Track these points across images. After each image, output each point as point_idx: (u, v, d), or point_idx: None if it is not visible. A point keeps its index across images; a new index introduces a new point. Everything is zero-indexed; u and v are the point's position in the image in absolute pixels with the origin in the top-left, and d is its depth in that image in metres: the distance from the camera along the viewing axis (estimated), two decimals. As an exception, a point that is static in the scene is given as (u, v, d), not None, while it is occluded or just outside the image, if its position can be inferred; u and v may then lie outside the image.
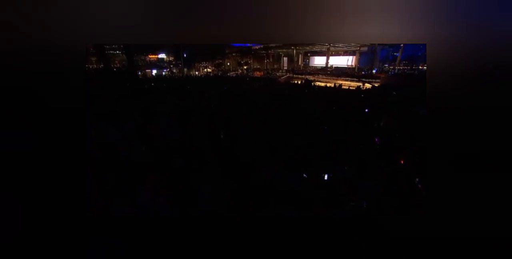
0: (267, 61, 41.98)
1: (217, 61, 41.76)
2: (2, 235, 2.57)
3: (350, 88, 17.73)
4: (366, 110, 8.92)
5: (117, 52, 33.75)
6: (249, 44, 34.63)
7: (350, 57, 35.07)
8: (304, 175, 4.34)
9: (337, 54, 36.84)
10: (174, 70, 35.40)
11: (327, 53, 34.40)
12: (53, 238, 2.64)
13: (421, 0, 2.73)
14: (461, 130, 2.82)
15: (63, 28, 2.88)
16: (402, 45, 28.67)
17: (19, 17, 2.82)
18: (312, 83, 21.02)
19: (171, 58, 37.91)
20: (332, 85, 20.55)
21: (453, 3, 2.68)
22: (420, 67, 29.67)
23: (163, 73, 33.87)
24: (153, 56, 37.49)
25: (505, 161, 2.77)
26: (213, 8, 3.00)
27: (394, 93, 13.78)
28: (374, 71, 29.23)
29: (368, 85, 20.33)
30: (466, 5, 2.66)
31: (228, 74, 35.55)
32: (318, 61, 39.75)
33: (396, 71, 29.59)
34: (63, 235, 2.66)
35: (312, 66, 40.22)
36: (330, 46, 32.00)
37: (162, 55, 37.90)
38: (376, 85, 20.88)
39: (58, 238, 2.64)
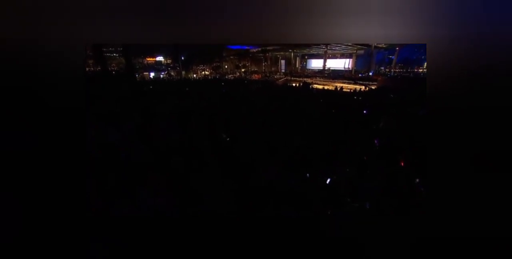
0: (264, 64, 42.09)
1: (214, 64, 41.79)
2: (2, 235, 2.55)
3: (349, 90, 17.84)
4: (365, 111, 8.96)
5: (114, 54, 33.72)
6: (246, 47, 34.68)
7: (347, 60, 35.38)
8: (307, 175, 4.34)
9: (334, 57, 37.14)
10: (172, 73, 35.37)
11: (325, 56, 34.59)
12: (53, 238, 2.61)
13: (421, 0, 2.76)
14: (460, 130, 2.83)
15: (62, 28, 2.88)
16: (397, 48, 29.01)
17: (19, 17, 2.82)
18: (310, 86, 21.14)
19: (168, 61, 37.92)
20: (330, 87, 20.66)
21: (453, 3, 2.71)
22: (415, 70, 29.99)
23: (161, 75, 33.83)
24: (151, 59, 37.47)
25: (505, 161, 2.78)
26: (212, 8, 3.01)
27: (392, 95, 13.87)
28: (370, 74, 29.46)
29: (365, 87, 20.45)
30: (466, 5, 2.69)
31: (226, 76, 35.55)
32: (316, 63, 40.04)
33: (392, 73, 29.87)
34: (63, 235, 2.63)
35: (310, 69, 40.46)
36: (327, 48, 32.17)
37: (160, 58, 37.91)
38: (373, 87, 21.00)
39: (58, 238, 2.62)
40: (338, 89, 18.80)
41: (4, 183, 2.62)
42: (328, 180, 4.25)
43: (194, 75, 37.22)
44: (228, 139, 6.00)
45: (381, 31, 2.92)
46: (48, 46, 2.86)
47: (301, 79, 28.76)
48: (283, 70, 41.90)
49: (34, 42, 2.85)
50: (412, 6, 2.78)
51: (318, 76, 30.25)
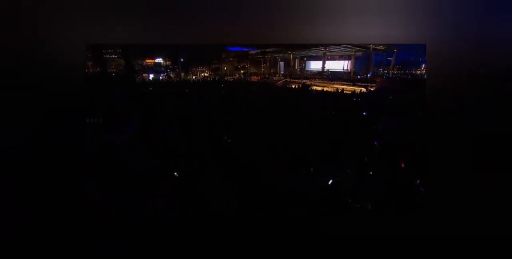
0: (264, 66, 42.14)
1: (214, 66, 41.79)
2: (2, 235, 2.53)
3: (349, 92, 17.91)
4: (364, 113, 8.98)
5: (114, 56, 33.67)
6: (245, 49, 34.69)
7: (346, 62, 35.45)
8: (307, 175, 4.34)
9: (333, 58, 37.20)
10: (171, 75, 35.32)
11: (323, 58, 34.66)
12: (53, 238, 2.59)
13: (421, 0, 2.77)
14: (460, 130, 2.84)
15: (62, 28, 2.87)
16: (395, 50, 29.12)
17: (19, 17, 2.82)
18: (309, 87, 21.21)
19: (168, 62, 37.90)
20: (329, 89, 20.72)
21: (452, 3, 2.72)
22: (413, 71, 30.11)
23: (160, 77, 33.79)
24: (150, 61, 37.42)
25: (505, 161, 2.79)
26: (212, 8, 3.02)
27: (391, 96, 13.90)
28: (369, 75, 29.53)
29: (364, 89, 20.54)
30: (466, 6, 2.70)
31: (226, 78, 35.54)
32: (314, 65, 40.09)
33: (390, 75, 29.97)
34: (63, 235, 2.62)
35: (309, 71, 40.54)
36: (326, 50, 32.25)
37: (159, 60, 37.88)
38: (372, 89, 21.06)
39: (58, 238, 2.60)
40: (338, 90, 18.87)
41: (4, 183, 2.60)
42: (330, 181, 4.24)
43: (194, 77, 37.20)
44: (229, 140, 5.99)
45: (381, 31, 2.93)
46: (48, 46, 2.86)
47: (300, 80, 28.81)
48: (282, 72, 41.96)
49: (34, 42, 2.85)
50: (412, 6, 2.79)
51: (317, 78, 30.30)
